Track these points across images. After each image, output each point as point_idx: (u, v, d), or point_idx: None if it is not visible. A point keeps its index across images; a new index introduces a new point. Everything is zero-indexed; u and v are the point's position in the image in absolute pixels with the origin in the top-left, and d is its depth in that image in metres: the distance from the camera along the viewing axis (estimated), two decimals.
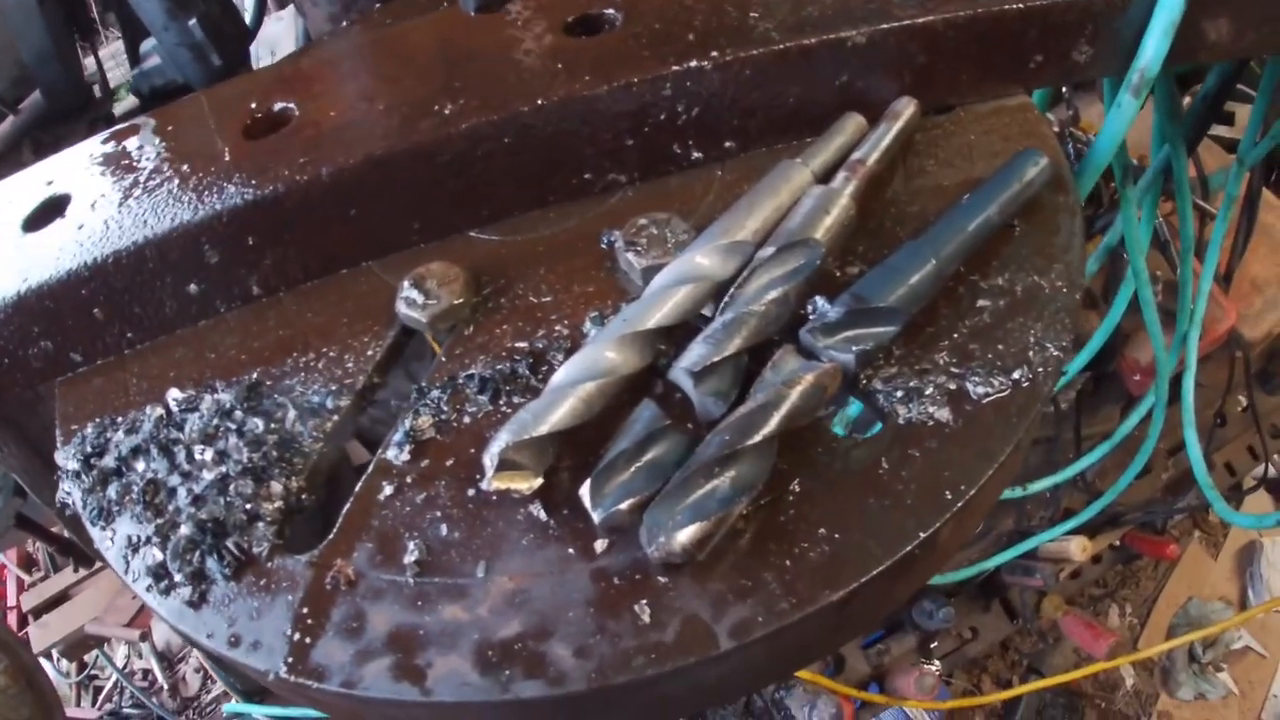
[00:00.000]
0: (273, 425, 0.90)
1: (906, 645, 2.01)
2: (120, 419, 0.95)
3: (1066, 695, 2.31)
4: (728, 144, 1.03)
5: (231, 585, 0.82)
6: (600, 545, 0.78)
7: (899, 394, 0.83)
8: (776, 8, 1.02)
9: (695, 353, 0.82)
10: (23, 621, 1.99)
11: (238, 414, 0.91)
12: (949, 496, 0.78)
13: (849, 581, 0.75)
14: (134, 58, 1.53)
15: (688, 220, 0.96)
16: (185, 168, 1.03)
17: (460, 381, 0.89)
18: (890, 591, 0.83)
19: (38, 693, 1.46)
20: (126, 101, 1.88)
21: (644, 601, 0.75)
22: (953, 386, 0.84)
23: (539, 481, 0.80)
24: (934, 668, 1.91)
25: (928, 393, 0.83)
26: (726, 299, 0.86)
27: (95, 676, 2.53)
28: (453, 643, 0.75)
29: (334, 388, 0.92)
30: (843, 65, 1.00)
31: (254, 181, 0.97)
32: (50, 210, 1.07)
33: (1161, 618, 2.41)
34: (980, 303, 0.89)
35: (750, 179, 1.01)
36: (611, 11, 1.06)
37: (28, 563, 2.33)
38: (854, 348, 0.83)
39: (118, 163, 1.09)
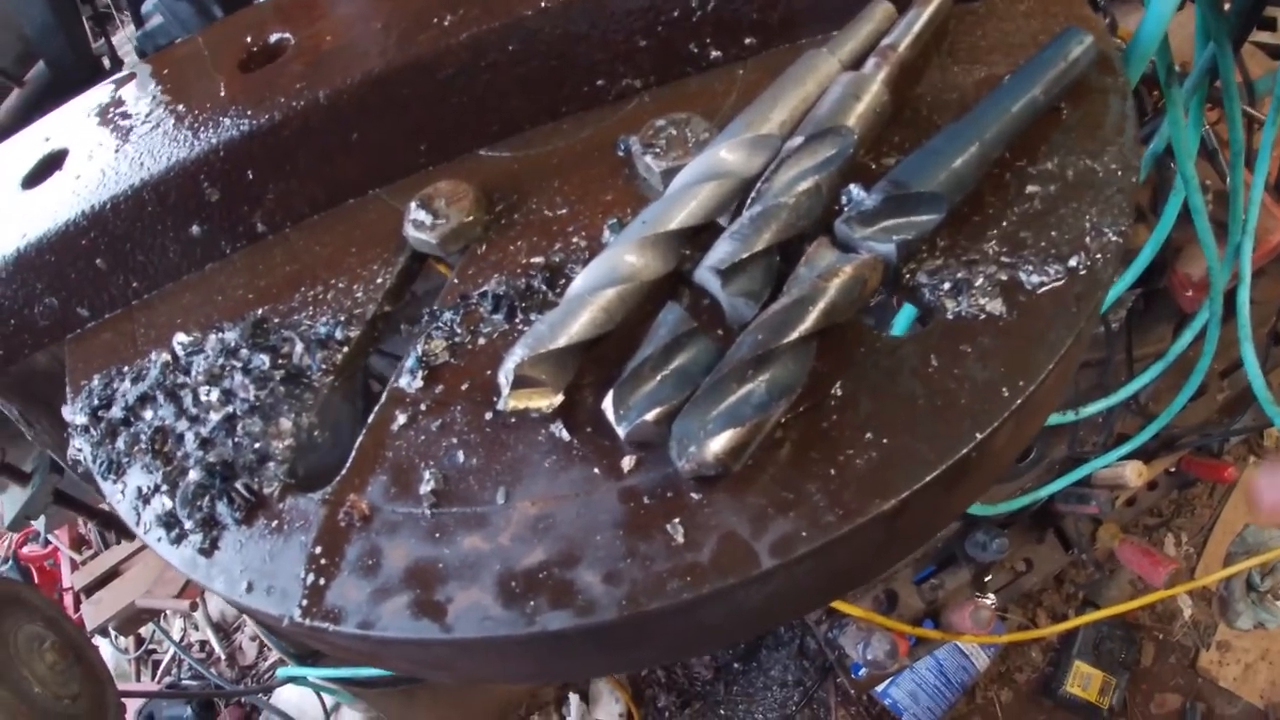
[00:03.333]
0: (279, 360, 0.82)
1: (960, 579, 1.90)
2: (127, 369, 0.88)
3: (1124, 627, 2.19)
4: (748, 40, 0.93)
5: (243, 529, 0.75)
6: (628, 463, 0.69)
7: (946, 286, 0.73)
8: None
9: (721, 250, 0.73)
10: (76, 601, 1.97)
11: (243, 351, 0.84)
12: (1006, 394, 0.68)
13: (901, 489, 0.66)
14: (138, 21, 1.46)
15: (709, 121, 0.86)
16: (181, 107, 0.95)
17: (473, 300, 0.81)
18: (944, 502, 0.74)
19: (87, 667, 1.42)
20: None
21: (677, 520, 0.66)
22: (1004, 277, 0.74)
23: (559, 399, 0.72)
24: (989, 601, 1.81)
25: (977, 284, 0.73)
26: (753, 194, 0.77)
27: (153, 651, 2.52)
28: (474, 575, 0.67)
29: (342, 318, 0.85)
30: None
31: (250, 113, 0.89)
32: (48, 166, 1.00)
33: (1218, 546, 2.28)
34: (1029, 189, 0.79)
35: (774, 77, 0.91)
36: None
37: (79, 543, 2.32)
38: (895, 238, 0.73)
39: (114, 111, 1.02)
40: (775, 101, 0.83)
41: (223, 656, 2.37)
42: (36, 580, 2.29)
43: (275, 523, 0.75)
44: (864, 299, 0.71)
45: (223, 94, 0.94)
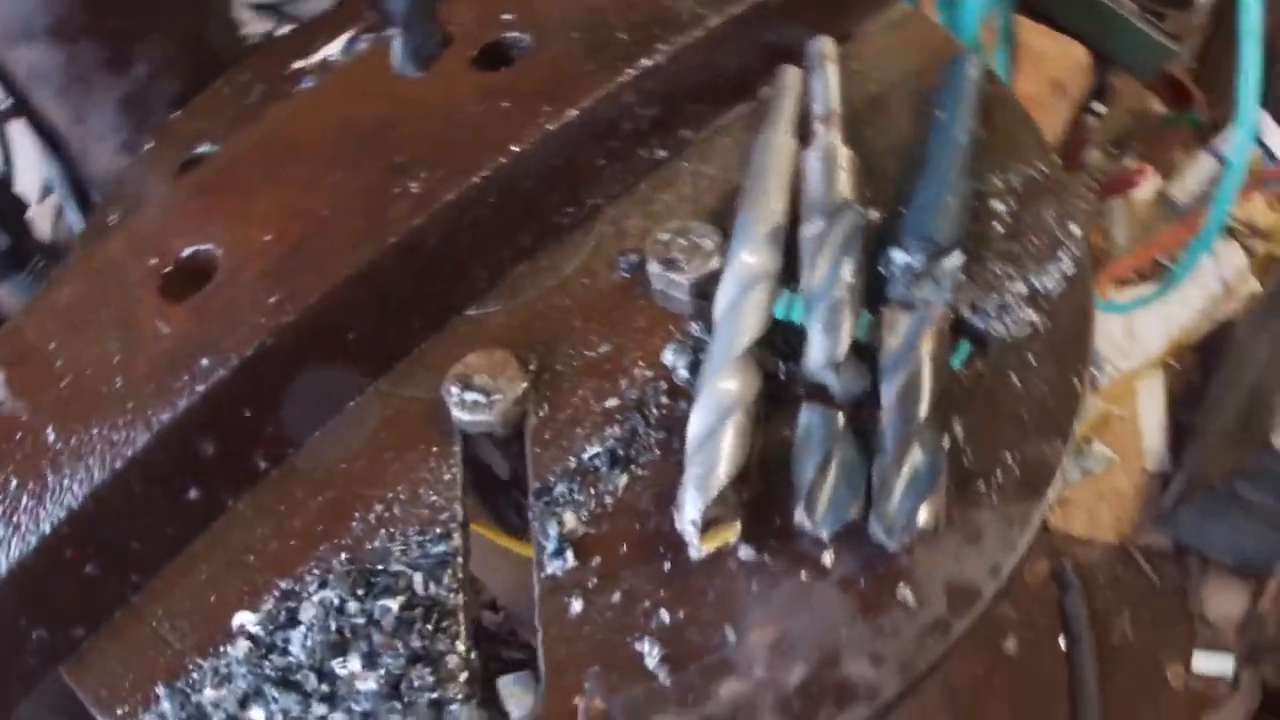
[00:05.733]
0: (407, 599, 0.85)
1: None
2: (193, 674, 0.85)
3: None
4: (684, 133, 1.08)
5: None
6: (828, 558, 0.84)
7: (991, 312, 0.96)
8: None
9: (819, 347, 0.89)
10: None
11: (352, 605, 0.85)
12: (1076, 384, 0.92)
13: (1044, 485, 0.87)
14: None
15: (701, 222, 1.01)
16: (119, 359, 0.91)
17: (585, 462, 0.90)
18: None
19: None
20: None
21: (900, 585, 0.83)
22: (1024, 289, 0.97)
23: (739, 526, 0.85)
24: None
25: (1011, 302, 0.96)
26: (806, 291, 0.93)
27: None
28: (752, 716, 0.79)
29: (438, 530, 0.89)
30: (768, 23, 1.08)
31: (225, 345, 0.89)
32: None
33: None
34: (995, 206, 1.03)
35: (712, 160, 1.08)
36: (517, 34, 1.06)
37: None
38: (944, 285, 0.94)
39: (32, 374, 0.94)
40: (765, 192, 0.99)
41: None
42: None
43: None
44: (949, 349, 0.91)
45: (167, 332, 0.92)
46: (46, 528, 0.84)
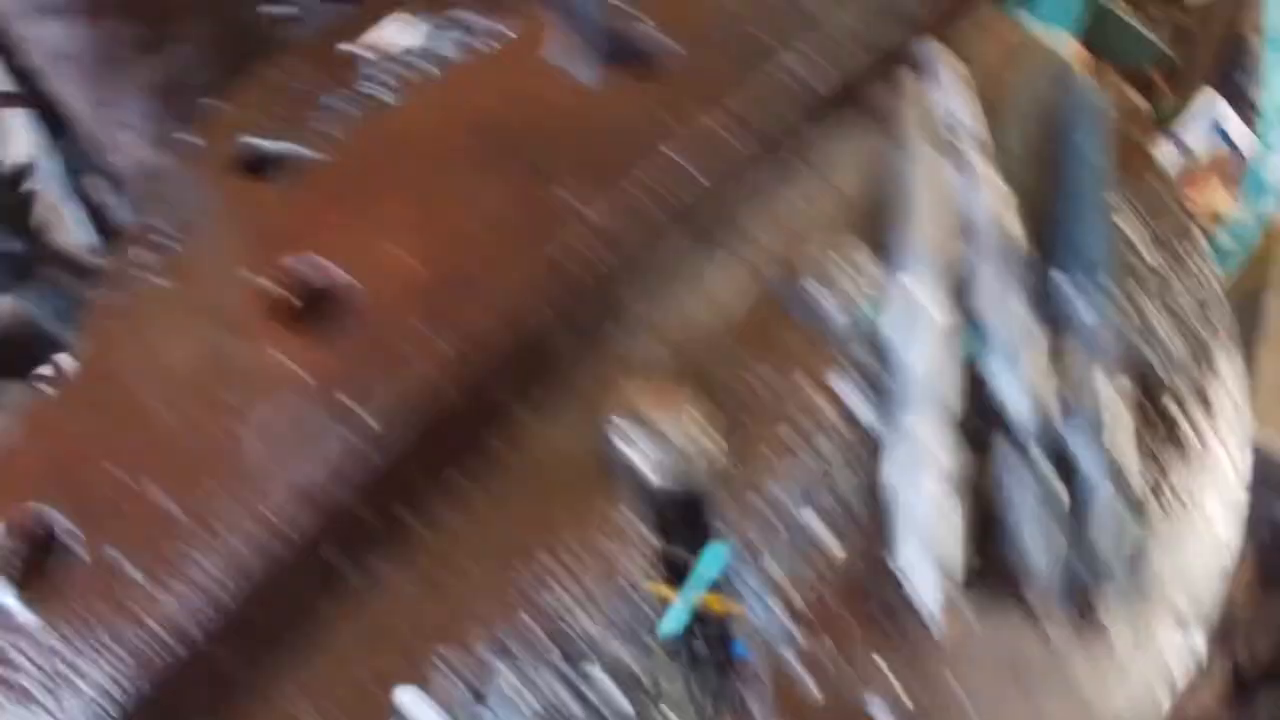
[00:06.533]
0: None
1: None
2: None
3: None
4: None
5: None
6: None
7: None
8: None
9: (1018, 392, 0.86)
10: None
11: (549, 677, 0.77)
12: None
13: None
14: None
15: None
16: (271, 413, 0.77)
17: (788, 517, 0.83)
18: None
19: None
20: None
21: None
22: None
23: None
24: None
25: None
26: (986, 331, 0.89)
27: None
28: None
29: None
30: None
31: (385, 393, 0.77)
32: None
33: None
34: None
35: (835, 168, 0.99)
36: (650, 32, 0.95)
37: None
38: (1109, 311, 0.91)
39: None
40: (925, 221, 0.92)
41: None
42: None
43: None
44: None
45: (313, 382, 0.78)
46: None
